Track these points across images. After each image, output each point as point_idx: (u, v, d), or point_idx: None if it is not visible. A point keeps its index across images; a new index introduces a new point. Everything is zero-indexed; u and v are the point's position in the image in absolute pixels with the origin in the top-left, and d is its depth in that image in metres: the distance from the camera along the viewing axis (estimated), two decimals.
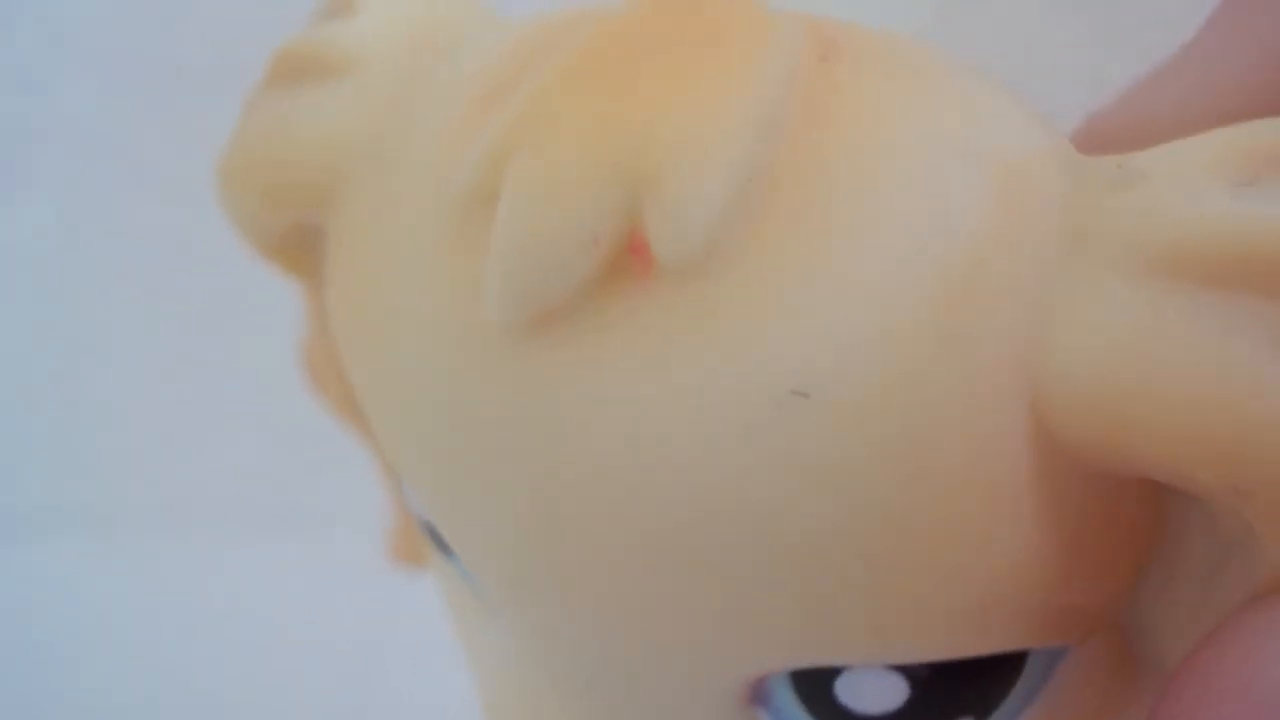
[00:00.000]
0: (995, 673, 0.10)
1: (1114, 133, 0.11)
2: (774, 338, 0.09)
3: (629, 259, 0.09)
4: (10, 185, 0.30)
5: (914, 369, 0.09)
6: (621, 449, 0.09)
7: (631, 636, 0.10)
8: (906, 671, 0.10)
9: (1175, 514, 0.10)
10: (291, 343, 0.16)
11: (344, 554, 0.23)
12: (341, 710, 0.26)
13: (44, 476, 0.32)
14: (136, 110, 0.29)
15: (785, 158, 0.09)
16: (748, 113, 0.09)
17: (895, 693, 0.10)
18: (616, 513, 0.09)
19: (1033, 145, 0.10)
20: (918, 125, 0.09)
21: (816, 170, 0.09)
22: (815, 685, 0.10)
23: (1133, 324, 0.09)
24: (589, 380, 0.09)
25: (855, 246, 0.09)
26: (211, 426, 0.31)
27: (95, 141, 0.29)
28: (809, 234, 0.09)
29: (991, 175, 0.09)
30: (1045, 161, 0.10)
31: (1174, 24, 0.12)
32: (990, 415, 0.09)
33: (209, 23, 0.28)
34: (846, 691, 0.10)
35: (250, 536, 0.30)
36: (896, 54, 0.10)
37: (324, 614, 0.27)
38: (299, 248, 0.13)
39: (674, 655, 0.10)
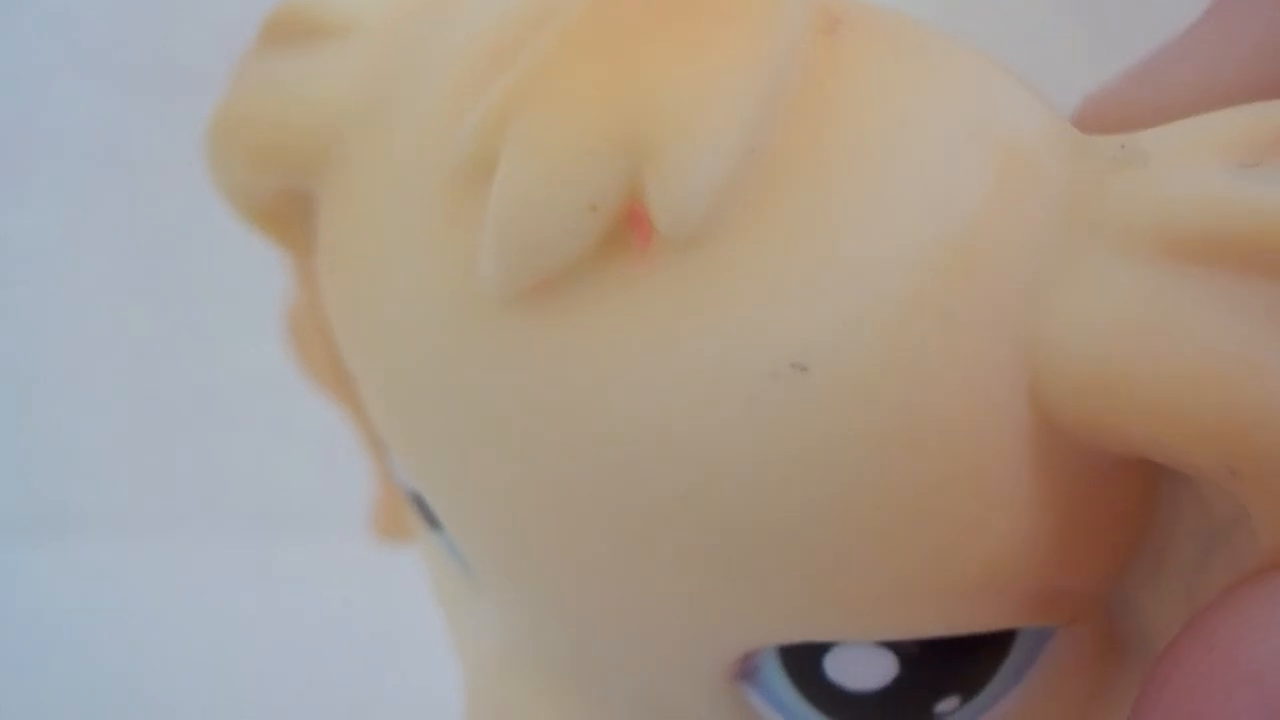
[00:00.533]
0: (983, 651, 0.10)
1: (1114, 113, 0.11)
2: (773, 311, 0.09)
3: (628, 230, 0.09)
4: (10, 185, 0.30)
5: (912, 345, 0.09)
6: (616, 420, 0.09)
7: (620, 609, 0.10)
8: (896, 648, 0.10)
9: (1168, 498, 0.10)
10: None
11: (345, 554, 0.23)
12: (341, 709, 0.26)
13: (44, 477, 0.32)
14: (136, 110, 0.29)
15: (787, 131, 0.09)
16: (751, 85, 0.09)
17: (884, 669, 0.10)
18: (610, 484, 0.09)
19: (1034, 124, 0.10)
20: (920, 102, 0.09)
21: (818, 144, 0.09)
22: (804, 661, 0.10)
23: (1132, 303, 0.09)
24: (585, 351, 0.09)
25: (856, 221, 0.09)
26: (211, 426, 0.31)
27: (95, 142, 0.29)
28: (810, 207, 0.09)
29: (993, 153, 0.09)
30: (1047, 140, 0.10)
31: (1179, 23, 0.12)
32: (986, 392, 0.09)
33: (209, 23, 0.28)
34: (836, 668, 0.10)
35: (250, 536, 0.30)
36: (900, 31, 0.10)
37: (324, 613, 0.27)
38: (288, 216, 0.13)
39: (662, 629, 0.10)
